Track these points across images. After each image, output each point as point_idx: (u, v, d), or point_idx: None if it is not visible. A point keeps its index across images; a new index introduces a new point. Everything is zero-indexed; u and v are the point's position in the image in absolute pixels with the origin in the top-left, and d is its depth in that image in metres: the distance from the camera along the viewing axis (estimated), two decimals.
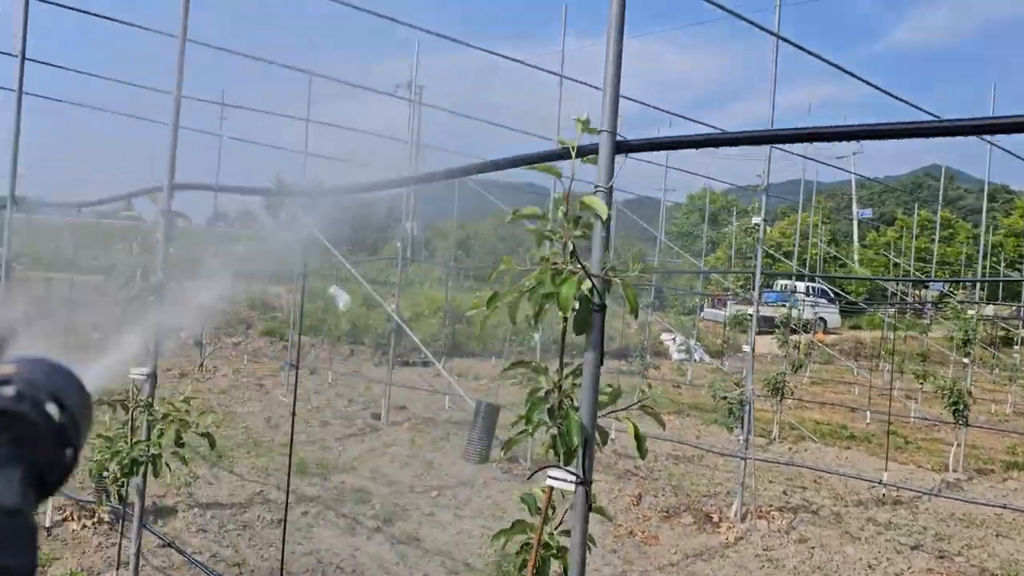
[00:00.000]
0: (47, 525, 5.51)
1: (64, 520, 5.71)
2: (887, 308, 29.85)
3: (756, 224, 7.27)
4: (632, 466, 9.30)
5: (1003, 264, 36.40)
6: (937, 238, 23.78)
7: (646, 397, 2.26)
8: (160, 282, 3.86)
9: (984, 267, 28.13)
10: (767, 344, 28.36)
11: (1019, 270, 38.81)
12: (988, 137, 10.54)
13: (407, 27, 8.92)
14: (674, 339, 26.14)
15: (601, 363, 2.08)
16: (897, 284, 26.95)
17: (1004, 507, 8.33)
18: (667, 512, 7.52)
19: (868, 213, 55.58)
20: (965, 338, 10.69)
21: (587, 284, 2.04)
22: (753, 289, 7.34)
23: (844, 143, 46.81)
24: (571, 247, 2.14)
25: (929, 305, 27.06)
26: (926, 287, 35.05)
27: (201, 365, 14.29)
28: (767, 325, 35.04)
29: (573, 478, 2.07)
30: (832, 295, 34.77)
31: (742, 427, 7.47)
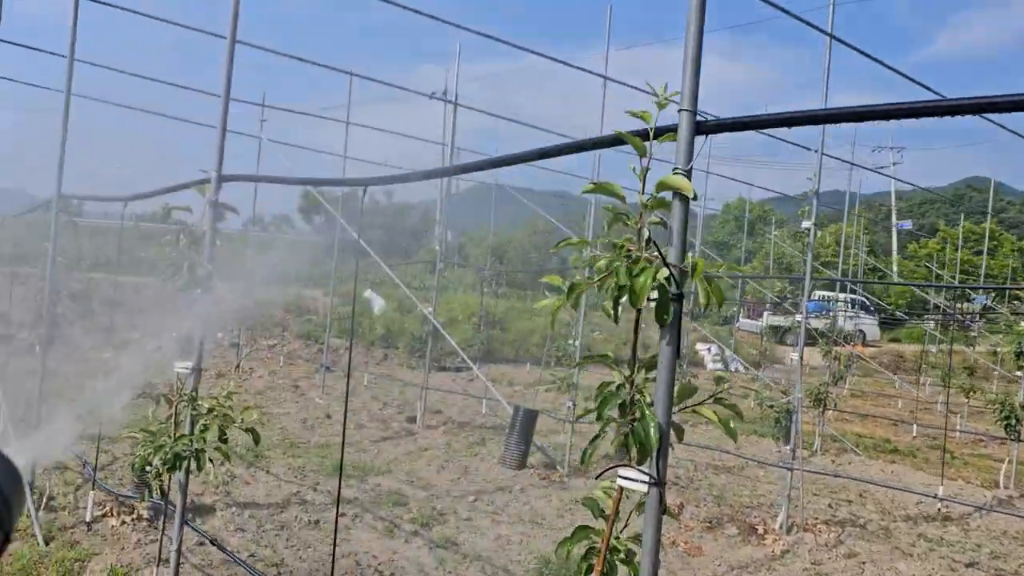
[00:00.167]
0: (87, 520, 5.50)
1: (104, 515, 5.69)
2: (931, 320, 29.18)
3: (806, 228, 7.07)
4: (672, 475, 9.10)
5: None
6: (985, 249, 23.12)
7: (720, 390, 2.12)
8: (207, 274, 3.81)
9: None
10: (806, 355, 27.88)
11: None
12: None
13: (451, 26, 8.83)
14: (709, 349, 25.78)
15: (678, 356, 1.95)
16: (941, 294, 26.29)
17: None
18: (710, 522, 7.31)
19: (908, 224, 54.53)
20: (1020, 351, 10.31)
21: (663, 273, 1.91)
22: (803, 295, 7.13)
23: (886, 152, 45.99)
24: (647, 233, 2.02)
25: (976, 317, 26.38)
26: (969, 300, 34.22)
27: (237, 367, 14.35)
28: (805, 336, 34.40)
29: (646, 478, 1.94)
30: (871, 307, 34.07)
31: (788, 437, 7.24)
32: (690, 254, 1.97)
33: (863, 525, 7.79)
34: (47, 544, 5.18)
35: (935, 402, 19.41)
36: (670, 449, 1.98)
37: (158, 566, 4.44)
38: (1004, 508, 8.90)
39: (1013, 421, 9.89)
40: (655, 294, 1.91)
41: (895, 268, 44.00)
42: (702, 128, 1.97)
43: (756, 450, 11.22)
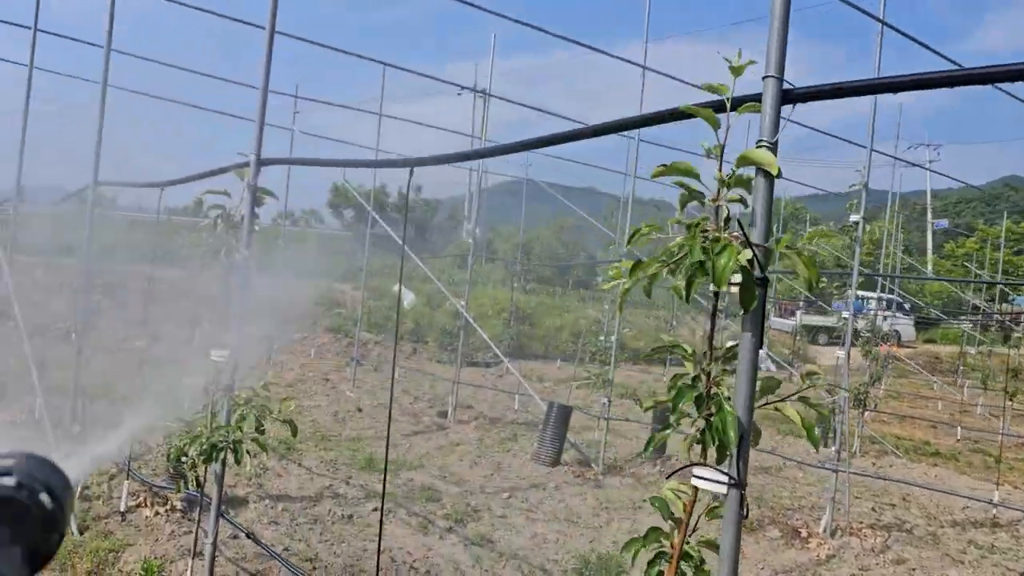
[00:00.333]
0: (121, 510, 5.45)
1: (138, 506, 5.64)
2: (969, 321, 28.52)
3: (854, 222, 6.83)
4: None
5: None
6: None
7: (806, 387, 1.96)
8: (245, 260, 3.70)
9: None
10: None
11: None
12: None
13: (484, 13, 8.66)
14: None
15: (761, 346, 1.79)
16: (981, 294, 25.68)
17: None
18: (751, 524, 7.11)
19: (944, 224, 53.42)
20: None
21: (746, 255, 1.75)
22: (851, 287, 6.90)
23: (923, 150, 45.09)
24: (726, 212, 1.86)
25: (1020, 318, 25.73)
26: (1009, 301, 33.38)
27: (268, 359, 14.35)
28: (835, 336, 33.91)
29: (725, 479, 1.78)
30: (907, 307, 33.39)
31: (834, 438, 7.02)
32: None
33: (909, 530, 7.53)
34: (81, 534, 5.13)
35: (975, 404, 18.93)
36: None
37: (193, 559, 4.35)
38: None
39: None
40: (737, 277, 1.75)
41: (930, 267, 43.11)
42: (789, 96, 1.80)
43: (793, 451, 10.96)
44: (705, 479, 1.83)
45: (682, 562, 1.97)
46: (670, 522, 2.08)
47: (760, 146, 1.78)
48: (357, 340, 14.36)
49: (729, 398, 1.83)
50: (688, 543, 2.02)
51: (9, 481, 0.72)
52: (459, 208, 48.33)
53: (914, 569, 6.33)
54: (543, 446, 8.66)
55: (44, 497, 0.73)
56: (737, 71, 1.85)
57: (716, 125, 1.87)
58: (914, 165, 20.23)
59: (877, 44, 6.59)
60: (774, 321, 32.82)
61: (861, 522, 7.51)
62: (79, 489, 5.74)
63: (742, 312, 1.79)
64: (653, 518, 7.17)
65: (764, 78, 1.80)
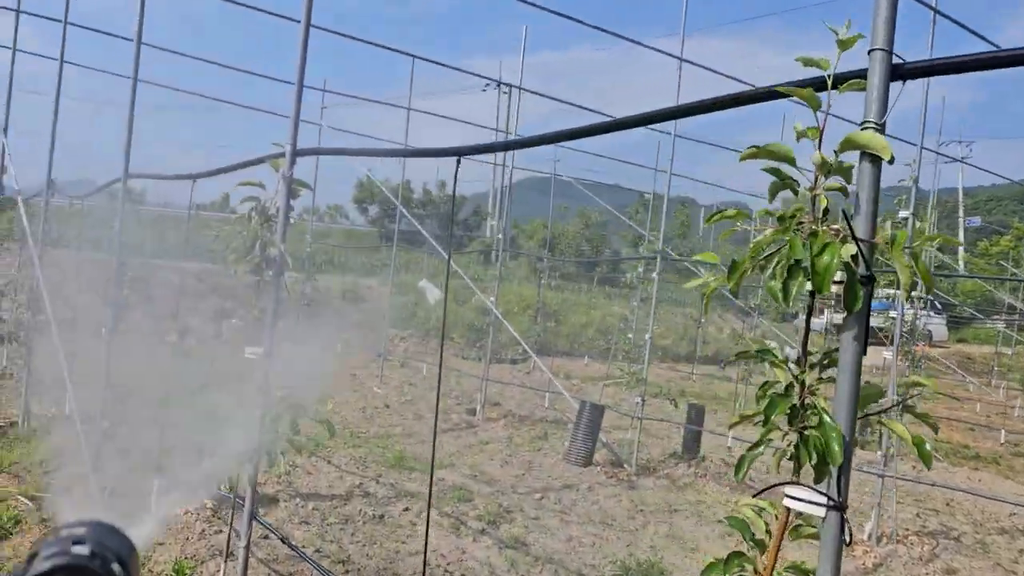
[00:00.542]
0: (152, 509, 5.34)
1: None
2: (1003, 321, 27.89)
3: (903, 218, 6.57)
4: (748, 478, 8.66)
5: None
6: None
7: (909, 396, 1.76)
8: (281, 254, 3.56)
9: None
10: (873, 355, 26.87)
11: None
12: None
13: (513, 8, 8.49)
14: (779, 346, 25.03)
15: (864, 351, 1.60)
16: (1020, 293, 25.07)
17: None
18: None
19: (976, 221, 52.44)
20: None
21: (849, 250, 1.56)
22: (898, 287, 6.64)
23: (954, 146, 44.21)
24: (825, 202, 1.67)
25: None
26: None
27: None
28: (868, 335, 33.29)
29: (824, 500, 1.60)
30: (939, 306, 32.73)
31: (878, 442, 6.77)
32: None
33: (957, 538, 7.26)
34: None
35: (1013, 406, 18.49)
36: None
37: (225, 561, 4.24)
38: None
39: None
40: (838, 275, 1.57)
41: (962, 265, 42.27)
42: (899, 71, 1.61)
43: None
44: (799, 500, 1.65)
45: None
46: (749, 542, 1.89)
47: (866, 128, 1.59)
48: (385, 336, 14.25)
49: (828, 410, 1.64)
50: (776, 571, 1.84)
51: (83, 550, 0.75)
52: (483, 204, 48.22)
53: None
54: (575, 445, 8.48)
55: (116, 567, 0.76)
56: (845, 44, 1.66)
57: (816, 105, 1.68)
58: (955, 160, 19.69)
59: (930, 32, 6.33)
60: (801, 320, 32.34)
61: (906, 529, 7.26)
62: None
63: (845, 313, 1.60)
64: (689, 522, 6.97)
65: (871, 51, 1.61)
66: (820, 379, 1.72)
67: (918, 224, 6.46)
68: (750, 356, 1.88)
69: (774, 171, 1.73)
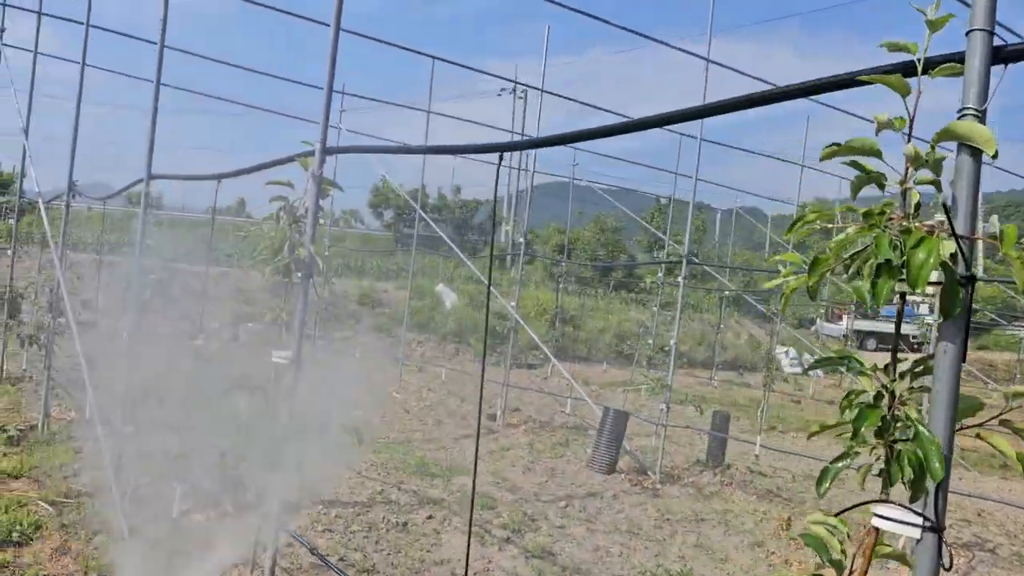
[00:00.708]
0: (174, 516, 5.25)
1: (191, 511, 5.45)
2: None
3: (940, 222, 6.39)
4: (773, 486, 8.50)
5: None
6: None
7: (1014, 406, 1.63)
8: (310, 255, 3.46)
9: None
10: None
11: None
12: None
13: (524, 16, 8.37)
14: (787, 352, 24.78)
15: (964, 359, 1.47)
16: None
17: None
18: None
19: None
20: None
21: (948, 248, 1.43)
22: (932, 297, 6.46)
23: None
24: (916, 197, 1.54)
25: None
26: None
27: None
28: (886, 342, 32.99)
29: (919, 520, 1.46)
30: None
31: None
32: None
33: (992, 550, 7.07)
34: (131, 536, 4.95)
35: None
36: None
37: (252, 572, 4.13)
38: None
39: None
40: (934, 275, 1.44)
41: (981, 270, 41.75)
42: (1001, 54, 1.48)
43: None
44: (890, 519, 1.52)
45: None
46: (827, 563, 1.76)
47: (964, 116, 1.46)
48: (403, 341, 14.16)
49: (920, 421, 1.51)
50: None
51: None
52: (497, 208, 48.09)
53: None
54: (598, 452, 8.34)
55: None
56: (935, 25, 1.53)
57: (905, 91, 1.55)
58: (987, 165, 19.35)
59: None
60: (820, 325, 32.04)
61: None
62: (128, 490, 5.58)
63: (941, 318, 1.48)
64: (717, 531, 6.81)
65: (969, 32, 1.48)
66: (912, 389, 1.59)
67: None
68: (831, 363, 1.75)
69: (856, 165, 1.61)
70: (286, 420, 3.42)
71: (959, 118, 1.48)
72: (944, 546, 1.48)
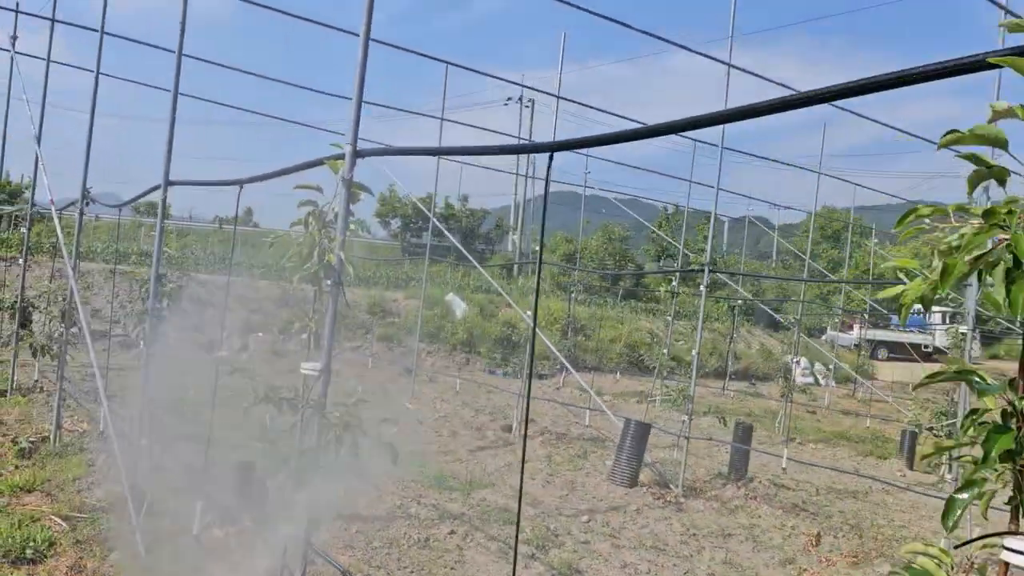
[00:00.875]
0: (193, 532, 5.11)
1: (211, 527, 5.30)
2: None
3: None
4: (798, 499, 8.31)
5: None
6: None
7: None
8: (340, 262, 3.32)
9: None
10: (904, 373, 26.30)
11: None
12: None
13: (533, 25, 8.22)
14: (799, 362, 24.55)
15: None
16: None
17: None
18: (855, 556, 6.53)
19: None
20: None
21: None
22: (970, 301, 6.30)
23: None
24: None
25: None
26: None
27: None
28: (897, 352, 32.71)
29: None
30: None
31: (948, 465, 6.42)
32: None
33: None
34: (148, 554, 4.81)
35: None
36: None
37: None
38: None
39: None
40: None
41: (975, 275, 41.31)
42: None
43: (876, 473, 10.29)
44: (1021, 553, 1.36)
45: None
46: None
47: None
48: (416, 351, 14.01)
49: None
50: None
51: None
52: (504, 217, 48.04)
53: None
54: (619, 465, 8.17)
55: None
56: None
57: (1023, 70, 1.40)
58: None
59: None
60: (830, 335, 31.79)
61: (976, 556, 6.86)
62: (144, 504, 5.44)
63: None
64: (745, 547, 6.63)
65: None
66: None
67: None
68: (945, 378, 1.60)
69: (974, 158, 1.46)
70: (317, 434, 3.27)
71: None
72: None
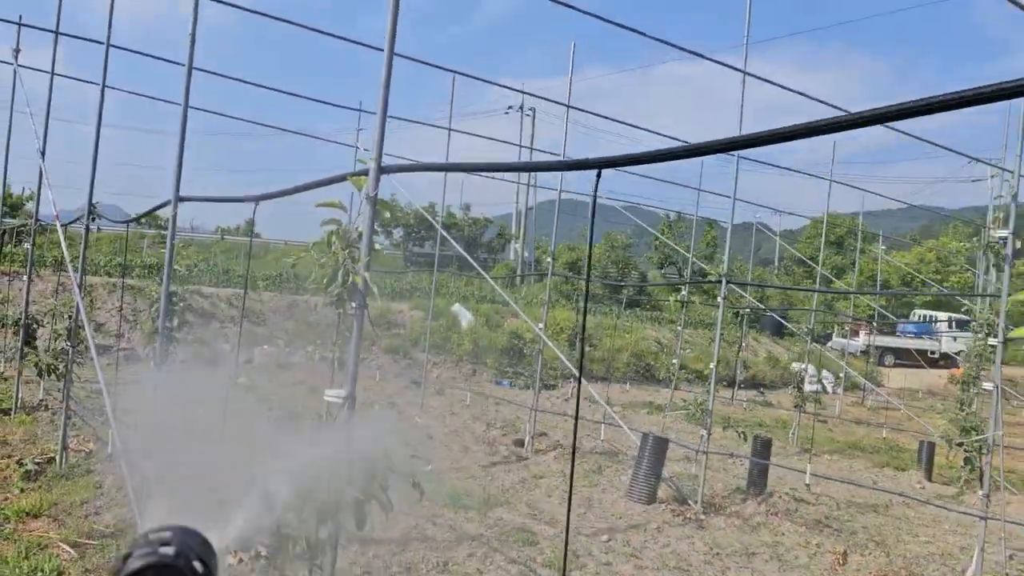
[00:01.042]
0: None
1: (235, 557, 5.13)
2: None
3: (1001, 239, 6.09)
4: (820, 515, 8.13)
5: None
6: None
7: None
8: (365, 283, 3.17)
9: None
10: (913, 379, 26.13)
11: None
12: None
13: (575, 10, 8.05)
14: (806, 369, 24.37)
15: None
16: None
17: None
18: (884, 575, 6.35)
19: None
20: None
21: None
22: (999, 316, 6.15)
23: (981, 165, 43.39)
24: None
25: None
26: None
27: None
28: (904, 358, 32.55)
29: None
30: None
31: (980, 481, 6.25)
32: None
33: None
34: None
35: None
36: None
37: None
38: None
39: None
40: None
41: (1006, 283, 41.24)
42: None
43: (895, 485, 10.11)
44: None
45: None
46: None
47: None
48: (425, 363, 13.85)
49: None
50: None
51: (170, 551, 0.85)
52: (506, 226, 47.95)
53: None
54: (637, 481, 8.00)
55: (197, 564, 0.85)
56: None
57: None
58: None
59: None
60: (836, 342, 31.63)
61: (1006, 573, 6.70)
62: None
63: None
64: (771, 566, 6.45)
65: None
66: None
67: (1018, 244, 5.96)
68: None
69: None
70: (343, 465, 3.12)
71: None
72: None
